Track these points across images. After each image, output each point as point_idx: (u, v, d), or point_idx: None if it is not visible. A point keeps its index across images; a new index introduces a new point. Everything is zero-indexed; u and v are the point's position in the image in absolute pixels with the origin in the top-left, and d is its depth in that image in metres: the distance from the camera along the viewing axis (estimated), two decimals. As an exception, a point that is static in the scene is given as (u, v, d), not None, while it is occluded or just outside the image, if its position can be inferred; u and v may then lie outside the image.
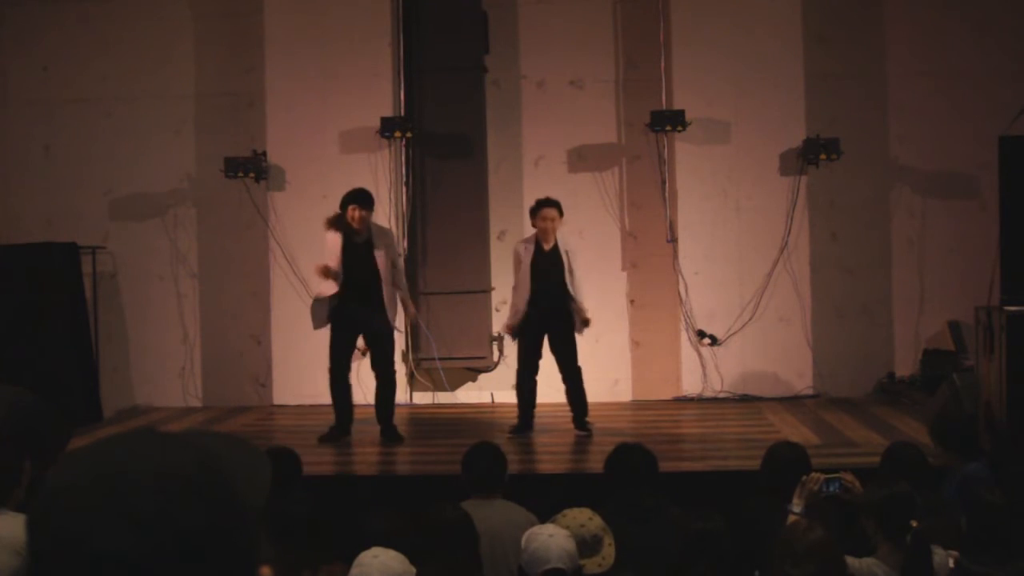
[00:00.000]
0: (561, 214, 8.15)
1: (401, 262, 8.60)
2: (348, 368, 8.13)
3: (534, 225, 8.19)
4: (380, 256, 7.93)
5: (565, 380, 8.15)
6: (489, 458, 5.05)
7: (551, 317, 8.05)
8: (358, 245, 7.92)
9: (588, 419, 8.15)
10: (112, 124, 10.87)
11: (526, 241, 8.24)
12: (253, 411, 10.17)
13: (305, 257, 9.80)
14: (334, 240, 7.91)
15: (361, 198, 7.97)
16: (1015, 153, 6.97)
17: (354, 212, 7.89)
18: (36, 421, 2.41)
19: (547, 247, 8.11)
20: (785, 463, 4.81)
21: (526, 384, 8.14)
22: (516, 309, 8.15)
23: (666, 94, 10.31)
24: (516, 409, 8.27)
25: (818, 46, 10.30)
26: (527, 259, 8.06)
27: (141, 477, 1.03)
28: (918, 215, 10.41)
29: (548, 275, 8.02)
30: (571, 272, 8.08)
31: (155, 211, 10.85)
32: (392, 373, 8.14)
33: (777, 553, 3.61)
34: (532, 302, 8.02)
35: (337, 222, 7.94)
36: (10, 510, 2.34)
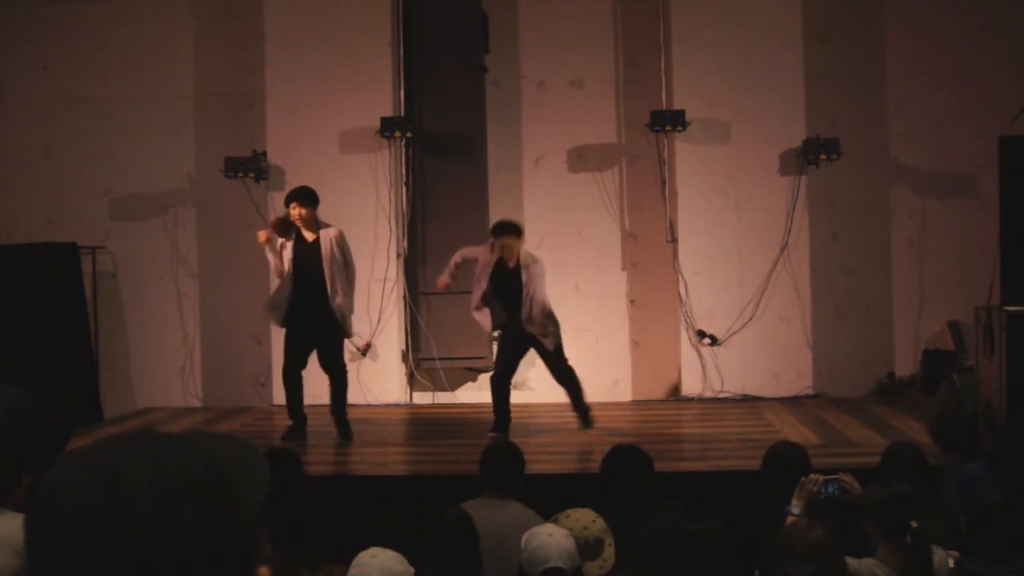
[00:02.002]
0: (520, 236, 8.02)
1: (352, 261, 8.24)
2: (300, 370, 8.08)
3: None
4: (328, 254, 7.86)
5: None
6: (506, 458, 5.01)
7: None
8: (309, 244, 7.89)
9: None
10: (112, 124, 10.87)
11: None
12: (253, 411, 10.16)
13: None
14: (282, 243, 7.87)
15: (300, 195, 7.92)
16: (1015, 153, 6.97)
17: (293, 210, 7.85)
18: (36, 421, 2.41)
19: (511, 264, 7.99)
20: (785, 463, 4.81)
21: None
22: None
23: (666, 94, 10.31)
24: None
25: (818, 46, 10.30)
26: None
27: (139, 478, 1.03)
28: (918, 215, 10.42)
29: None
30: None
31: (155, 211, 10.86)
32: (341, 370, 8.09)
33: (777, 552, 3.61)
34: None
35: (284, 224, 7.89)
36: (10, 510, 2.34)
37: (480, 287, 7.95)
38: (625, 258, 10.61)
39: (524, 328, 7.89)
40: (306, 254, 7.86)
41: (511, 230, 8.02)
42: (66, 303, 10.12)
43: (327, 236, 7.89)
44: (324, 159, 10.23)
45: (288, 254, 7.86)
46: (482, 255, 8.04)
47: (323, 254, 7.85)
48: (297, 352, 8.08)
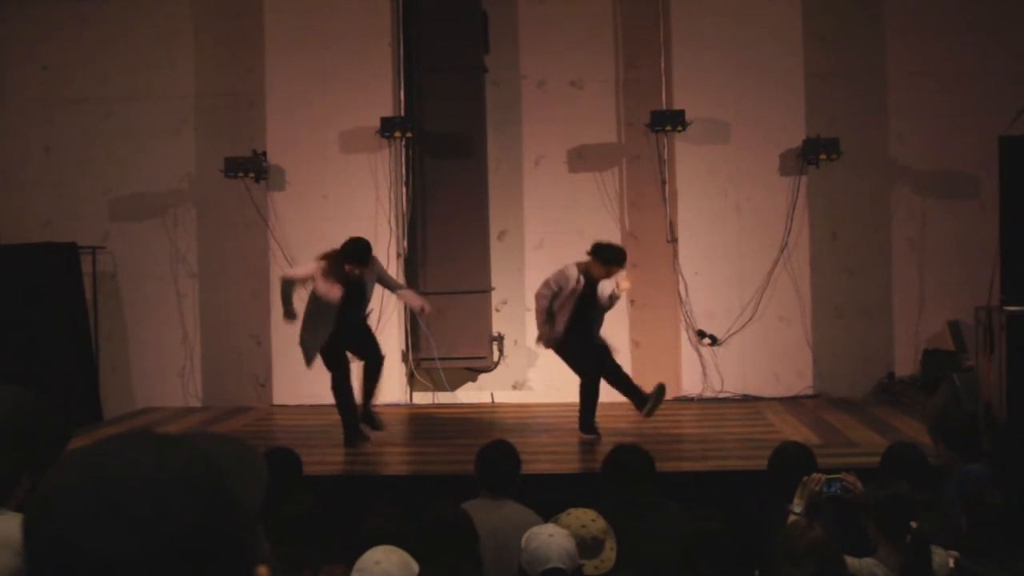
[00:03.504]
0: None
1: (388, 272, 8.29)
2: (349, 378, 7.99)
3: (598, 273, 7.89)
4: (369, 288, 7.81)
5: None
6: (502, 458, 5.01)
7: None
8: (353, 286, 7.71)
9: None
10: (112, 124, 10.87)
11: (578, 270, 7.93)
12: (253, 411, 10.16)
13: (304, 257, 9.78)
14: (329, 288, 7.59)
15: (359, 256, 7.63)
16: (1015, 153, 6.96)
17: (353, 270, 7.59)
18: (36, 421, 2.41)
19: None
20: (792, 463, 4.80)
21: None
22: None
23: (666, 94, 10.31)
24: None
25: (818, 46, 10.30)
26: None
27: (138, 478, 1.03)
28: (918, 215, 10.42)
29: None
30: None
31: (155, 211, 10.86)
32: (381, 355, 8.03)
33: (777, 553, 3.61)
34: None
35: (334, 269, 7.60)
36: (10, 510, 2.34)
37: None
38: (625, 258, 10.60)
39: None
40: (352, 292, 7.70)
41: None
42: (66, 303, 10.13)
43: (369, 274, 7.77)
44: (324, 159, 10.23)
45: (337, 293, 7.60)
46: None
47: (367, 292, 7.80)
48: (344, 362, 7.92)
